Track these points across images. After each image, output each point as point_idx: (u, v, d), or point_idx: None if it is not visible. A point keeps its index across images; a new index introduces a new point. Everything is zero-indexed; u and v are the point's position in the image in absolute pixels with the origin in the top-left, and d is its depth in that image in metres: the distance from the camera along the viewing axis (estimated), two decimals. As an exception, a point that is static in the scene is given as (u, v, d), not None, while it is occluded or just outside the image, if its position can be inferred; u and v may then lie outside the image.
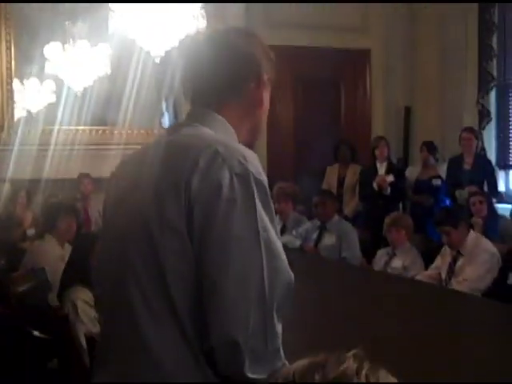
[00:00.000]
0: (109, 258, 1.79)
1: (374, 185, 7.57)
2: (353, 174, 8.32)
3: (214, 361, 1.60)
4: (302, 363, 1.05)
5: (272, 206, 1.68)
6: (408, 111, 9.49)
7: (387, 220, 5.63)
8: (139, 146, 6.50)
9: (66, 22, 8.14)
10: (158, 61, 6.87)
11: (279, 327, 1.65)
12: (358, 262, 5.79)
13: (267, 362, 1.60)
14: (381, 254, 5.65)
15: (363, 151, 8.80)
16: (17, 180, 7.58)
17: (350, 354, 1.05)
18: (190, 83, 1.86)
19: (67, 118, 8.06)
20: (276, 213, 5.47)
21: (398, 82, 9.55)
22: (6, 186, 7.61)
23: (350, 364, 1.02)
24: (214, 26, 7.74)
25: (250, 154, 1.68)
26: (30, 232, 6.98)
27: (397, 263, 5.40)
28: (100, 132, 8.48)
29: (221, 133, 1.77)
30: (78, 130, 8.26)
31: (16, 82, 8.21)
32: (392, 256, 5.50)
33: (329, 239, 5.92)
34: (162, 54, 6.81)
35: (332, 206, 6.20)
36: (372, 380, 1.00)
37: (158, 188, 1.64)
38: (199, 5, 6.76)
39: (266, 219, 1.63)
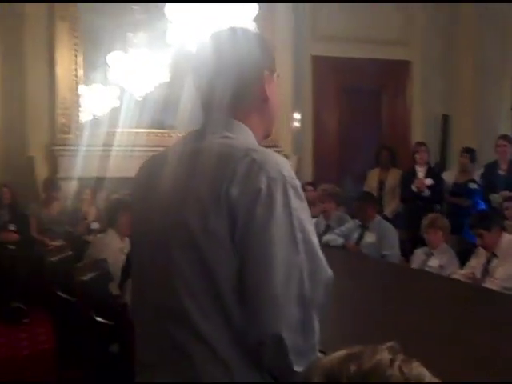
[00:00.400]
0: (150, 264, 1.75)
1: (414, 187, 7.53)
2: (393, 177, 8.28)
3: (261, 356, 1.60)
4: (338, 354, 1.03)
5: (307, 207, 1.65)
6: (446, 119, 9.41)
7: (425, 221, 5.55)
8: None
9: (128, 33, 8.22)
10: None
11: (317, 324, 1.63)
12: (398, 260, 5.72)
13: (306, 357, 1.59)
14: (419, 253, 5.57)
15: (403, 156, 8.75)
16: (83, 178, 7.66)
17: (385, 346, 1.04)
18: (203, 90, 1.82)
19: (128, 122, 8.11)
20: (320, 212, 5.46)
21: (437, 91, 9.47)
22: (74, 184, 7.71)
23: (384, 355, 1.00)
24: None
25: (283, 160, 1.66)
26: (94, 226, 7.06)
27: (434, 262, 5.32)
28: (158, 135, 8.55)
29: (242, 137, 1.74)
30: (138, 132, 8.31)
31: (83, 88, 8.29)
32: (429, 255, 5.42)
33: (370, 238, 5.86)
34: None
35: (372, 209, 6.13)
36: (405, 371, 0.98)
37: (200, 199, 1.62)
38: (251, 17, 6.76)
39: (303, 220, 1.61)
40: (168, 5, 6.53)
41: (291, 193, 1.59)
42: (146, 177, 1.87)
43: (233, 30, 1.82)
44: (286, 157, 8.55)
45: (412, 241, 6.43)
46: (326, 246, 5.92)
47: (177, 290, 1.64)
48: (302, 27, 8.97)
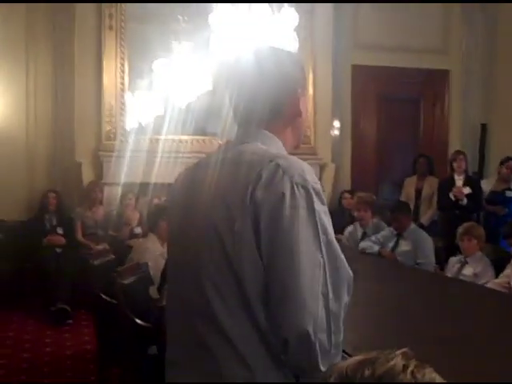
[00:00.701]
0: (183, 266, 1.81)
1: (452, 196, 7.45)
2: (429, 185, 8.23)
3: (288, 354, 1.63)
4: (354, 359, 1.05)
5: (327, 211, 1.69)
6: (484, 128, 9.28)
7: (460, 229, 5.51)
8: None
9: (173, 41, 8.29)
10: (253, 79, 6.93)
11: (341, 324, 1.66)
12: (432, 269, 5.67)
13: (330, 356, 1.62)
14: (453, 262, 5.52)
15: (440, 165, 8.70)
16: (127, 184, 7.75)
17: (399, 352, 1.05)
18: (239, 102, 1.86)
19: (172, 129, 8.18)
20: (356, 220, 5.46)
21: (475, 100, 9.38)
22: (118, 189, 7.81)
23: (397, 361, 1.02)
24: (304, 49, 7.84)
25: (307, 166, 1.70)
26: (137, 230, 7.16)
27: (468, 271, 5.27)
28: (201, 141, 8.61)
29: (273, 148, 1.79)
30: (181, 139, 8.39)
31: (129, 95, 8.38)
32: (464, 264, 5.37)
33: (405, 246, 5.82)
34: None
35: (406, 219, 6.08)
36: (417, 376, 1.00)
37: (227, 203, 1.67)
38: (292, 27, 6.79)
39: (325, 223, 1.65)
40: (211, 14, 6.60)
41: (314, 197, 1.64)
42: (182, 184, 1.94)
43: (274, 49, 1.91)
44: (325, 165, 8.60)
45: (448, 249, 6.38)
46: (362, 253, 5.93)
47: (205, 289, 1.69)
48: (341, 36, 8.97)
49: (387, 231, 6.15)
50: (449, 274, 5.47)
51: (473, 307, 4.07)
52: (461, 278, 5.26)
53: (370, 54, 8.99)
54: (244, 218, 1.63)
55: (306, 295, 1.58)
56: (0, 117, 8.03)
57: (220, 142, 8.39)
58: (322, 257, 1.61)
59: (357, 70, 9.10)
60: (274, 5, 7.06)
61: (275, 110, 1.83)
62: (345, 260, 1.69)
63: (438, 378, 1.02)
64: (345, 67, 9.06)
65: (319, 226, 1.62)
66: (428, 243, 5.85)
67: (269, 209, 1.61)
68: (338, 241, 1.74)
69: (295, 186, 1.62)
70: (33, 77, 8.18)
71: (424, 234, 5.98)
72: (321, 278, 1.60)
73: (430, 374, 1.02)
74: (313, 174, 1.69)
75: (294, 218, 1.60)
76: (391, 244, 5.93)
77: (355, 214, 6.59)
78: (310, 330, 1.57)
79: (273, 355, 1.68)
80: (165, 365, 1.90)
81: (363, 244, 6.05)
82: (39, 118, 8.20)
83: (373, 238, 6.10)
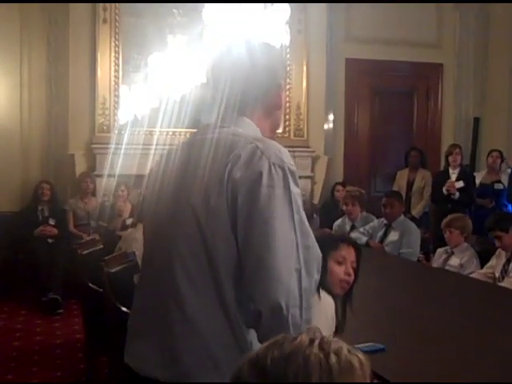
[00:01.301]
0: (157, 239, 1.87)
1: (444, 190, 7.48)
2: (421, 178, 8.27)
3: (260, 328, 1.68)
4: (263, 344, 1.10)
5: (300, 192, 1.75)
6: (477, 122, 9.30)
7: (444, 221, 5.56)
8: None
9: (168, 35, 8.31)
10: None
11: (311, 300, 1.71)
12: (415, 259, 5.70)
13: (301, 331, 1.66)
14: (440, 253, 5.56)
15: (433, 158, 8.74)
16: (121, 175, 7.76)
17: (304, 330, 1.11)
18: (225, 90, 1.90)
19: (167, 122, 8.18)
20: (344, 214, 5.50)
21: (469, 94, 9.40)
22: (111, 181, 7.83)
23: (302, 338, 1.07)
24: (298, 42, 7.86)
25: (284, 149, 1.77)
26: (129, 221, 7.17)
27: (454, 261, 5.31)
28: (195, 134, 8.62)
29: (250, 133, 1.84)
30: (175, 132, 8.40)
31: (124, 88, 8.38)
32: (450, 254, 5.41)
33: (393, 236, 5.87)
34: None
35: (399, 207, 6.14)
36: (324, 347, 1.04)
37: (205, 181, 1.73)
38: (284, 21, 6.81)
39: (299, 204, 1.72)
40: (205, 8, 6.63)
41: (290, 177, 1.71)
42: (158, 171, 2.01)
43: (263, 42, 2.01)
44: (318, 157, 8.63)
45: (437, 241, 6.41)
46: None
47: (174, 267, 1.74)
48: (335, 29, 8.98)
49: (376, 222, 6.20)
50: (435, 265, 5.52)
51: (457, 296, 4.11)
52: (447, 268, 5.31)
53: (363, 47, 9.01)
54: (220, 195, 1.69)
55: (280, 270, 1.64)
56: (-6, 108, 8.05)
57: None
58: (296, 234, 1.67)
59: (350, 63, 9.11)
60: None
61: (260, 99, 1.90)
62: (314, 239, 1.75)
63: (345, 347, 1.05)
64: (338, 60, 9.07)
65: (294, 206, 1.69)
66: (414, 234, 5.89)
67: (246, 187, 1.67)
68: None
69: (272, 166, 1.69)
70: (27, 69, 8.19)
71: (412, 225, 6.02)
72: (294, 254, 1.66)
73: (337, 343, 1.06)
74: (289, 156, 1.76)
75: (271, 195, 1.67)
76: (380, 234, 5.97)
77: (344, 208, 6.63)
78: (283, 303, 1.62)
79: (236, 336, 1.72)
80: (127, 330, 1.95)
81: (352, 235, 6.08)
82: (33, 109, 8.21)
83: (361, 229, 6.15)
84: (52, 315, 6.49)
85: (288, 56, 8.57)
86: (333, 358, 1.02)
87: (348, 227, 6.47)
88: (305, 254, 1.68)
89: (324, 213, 8.13)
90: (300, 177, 6.82)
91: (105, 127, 8.11)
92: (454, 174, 7.73)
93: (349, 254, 2.84)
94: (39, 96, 8.21)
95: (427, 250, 6.15)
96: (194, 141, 1.89)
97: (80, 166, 8.11)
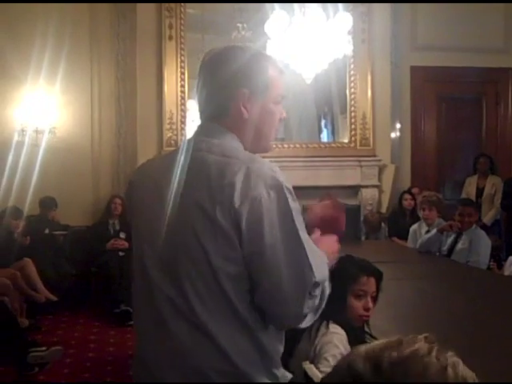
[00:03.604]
0: (159, 262, 1.82)
1: (516, 195, 7.34)
2: (491, 184, 8.14)
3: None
4: (377, 343, 1.09)
5: (299, 208, 1.75)
6: (548, 126, 9.10)
7: (517, 227, 5.47)
8: (303, 159, 6.59)
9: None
10: (308, 82, 7.01)
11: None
12: (485, 267, 5.58)
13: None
14: (511, 260, 5.46)
15: (504, 164, 8.59)
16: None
17: (422, 336, 1.09)
18: (199, 100, 1.92)
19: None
20: (415, 221, 5.44)
21: (539, 98, 9.18)
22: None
23: (421, 345, 1.06)
24: (362, 51, 7.87)
25: (276, 167, 1.75)
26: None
27: (525, 269, 5.22)
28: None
29: (226, 141, 1.82)
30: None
31: (192, 103, 8.45)
32: (523, 262, 5.32)
33: (462, 245, 5.77)
34: (313, 76, 6.94)
35: (475, 216, 6.03)
36: (442, 359, 1.04)
37: (204, 206, 1.70)
38: (346, 31, 6.83)
39: (300, 219, 1.72)
40: (267, 22, 6.71)
41: (288, 196, 1.70)
42: (145, 180, 1.98)
43: (233, 49, 1.93)
44: (385, 166, 8.58)
45: (510, 249, 6.31)
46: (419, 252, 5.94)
47: (184, 288, 1.73)
48: (399, 38, 8.94)
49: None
50: (507, 273, 5.41)
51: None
52: (519, 276, 5.20)
53: (428, 54, 8.93)
54: (226, 220, 1.67)
55: (293, 293, 1.69)
56: (67, 126, 8.31)
57: (286, 146, 8.46)
58: (305, 253, 1.69)
59: (416, 71, 9.04)
60: (329, 9, 7.14)
61: (222, 107, 1.86)
62: (319, 251, 1.82)
63: (461, 362, 1.07)
64: (403, 69, 9.02)
65: (297, 223, 1.69)
66: (483, 242, 5.76)
67: (248, 215, 1.66)
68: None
69: (269, 189, 1.67)
70: (97, 87, 8.45)
71: (482, 234, 5.89)
72: (306, 274, 1.69)
73: (452, 357, 1.06)
74: (282, 173, 1.73)
75: (273, 220, 1.67)
76: (449, 241, 5.88)
77: (420, 213, 6.56)
78: (293, 324, 1.79)
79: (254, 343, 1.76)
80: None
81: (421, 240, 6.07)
82: (103, 127, 8.47)
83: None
84: (124, 326, 6.63)
85: (352, 66, 8.59)
86: (450, 371, 1.02)
87: (424, 232, 6.41)
88: (317, 267, 1.71)
89: (392, 222, 8.08)
90: (367, 186, 6.89)
91: (172, 141, 8.26)
92: (525, 179, 7.58)
93: (369, 286, 2.81)
94: (109, 113, 8.45)
95: (499, 257, 6.04)
96: (183, 155, 1.83)
97: (149, 181, 8.25)
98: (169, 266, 1.78)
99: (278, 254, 1.67)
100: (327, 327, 2.69)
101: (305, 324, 1.79)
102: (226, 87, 1.85)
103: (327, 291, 1.82)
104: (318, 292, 1.75)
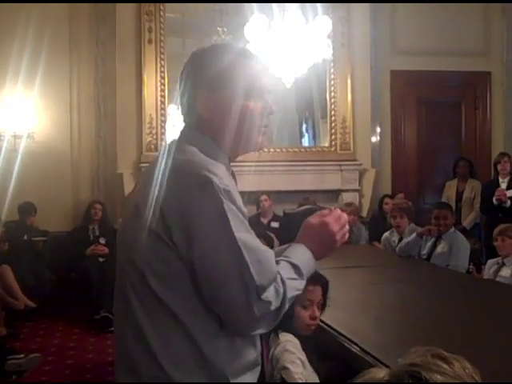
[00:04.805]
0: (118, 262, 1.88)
1: (494, 199, 7.35)
2: (471, 188, 8.20)
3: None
4: (416, 355, 1.13)
5: (239, 207, 1.71)
6: (527, 129, 9.16)
7: (495, 230, 5.48)
8: (284, 163, 6.60)
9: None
10: (288, 86, 7.01)
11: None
12: (464, 271, 5.60)
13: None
14: (491, 264, 5.48)
15: (483, 168, 8.64)
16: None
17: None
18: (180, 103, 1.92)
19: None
20: (392, 227, 5.46)
21: (518, 101, 9.25)
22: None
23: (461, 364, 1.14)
24: (342, 55, 7.88)
25: (214, 166, 1.72)
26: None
27: (505, 272, 5.23)
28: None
29: (205, 148, 1.79)
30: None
31: (172, 107, 8.41)
32: (501, 265, 5.33)
33: (442, 248, 5.79)
34: (292, 80, 6.94)
35: (451, 219, 6.04)
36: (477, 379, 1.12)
37: (139, 206, 1.74)
38: (326, 35, 6.85)
39: (236, 221, 1.67)
40: (246, 25, 6.71)
41: (222, 196, 1.66)
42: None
43: (197, 50, 1.92)
44: (365, 170, 8.60)
45: (489, 253, 6.33)
46: (399, 256, 5.94)
47: (126, 292, 1.76)
48: (379, 42, 8.97)
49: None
50: (486, 277, 5.43)
51: (506, 308, 4.03)
52: (498, 279, 5.22)
53: (408, 58, 8.98)
54: (158, 222, 1.67)
55: (234, 293, 1.66)
56: (46, 130, 8.26)
57: (265, 150, 8.45)
58: (242, 254, 1.65)
59: (395, 74, 9.08)
60: (308, 13, 7.15)
61: (191, 110, 1.86)
62: (267, 251, 1.76)
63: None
64: (383, 73, 9.05)
65: (232, 225, 1.65)
66: (462, 246, 5.79)
67: (180, 218, 1.65)
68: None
69: (201, 190, 1.65)
70: (76, 91, 8.42)
71: (461, 237, 5.91)
72: (245, 274, 1.65)
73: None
74: (220, 171, 1.71)
75: (206, 223, 1.65)
76: (429, 245, 5.90)
77: (391, 221, 6.59)
78: (240, 324, 1.73)
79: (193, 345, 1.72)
80: None
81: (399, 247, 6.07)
82: (82, 131, 8.44)
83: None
84: (104, 333, 6.58)
85: (332, 70, 8.61)
86: None
87: (396, 240, 6.43)
88: (256, 268, 1.66)
89: (373, 226, 8.10)
90: (347, 190, 6.84)
91: (152, 146, 8.21)
92: (503, 182, 7.58)
93: (315, 295, 2.82)
94: (88, 117, 8.42)
95: (478, 261, 6.06)
96: (156, 161, 1.86)
97: (128, 185, 8.20)
98: (119, 266, 1.83)
99: (212, 258, 1.65)
100: (277, 337, 2.71)
101: (269, 327, 1.76)
102: (189, 90, 1.85)
103: (291, 292, 1.77)
104: (269, 295, 1.69)
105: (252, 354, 1.81)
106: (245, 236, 1.68)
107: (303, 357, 2.69)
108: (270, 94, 1.90)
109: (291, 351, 2.65)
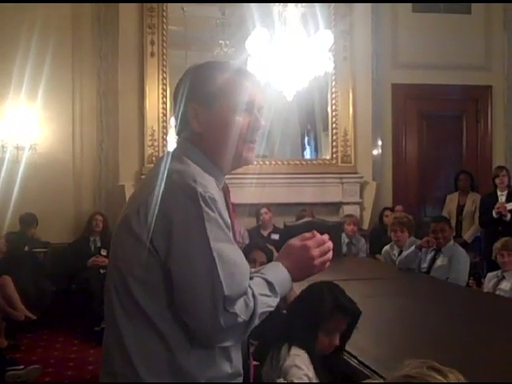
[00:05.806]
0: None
1: (494, 212, 7.36)
2: (472, 201, 8.20)
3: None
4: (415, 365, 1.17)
5: (223, 217, 1.73)
6: (528, 143, 9.18)
7: (497, 244, 5.49)
8: (285, 176, 6.62)
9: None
10: (290, 99, 7.05)
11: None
12: (463, 284, 5.60)
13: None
14: (490, 277, 5.48)
15: (484, 181, 8.65)
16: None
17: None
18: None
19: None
20: (392, 240, 5.45)
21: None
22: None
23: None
24: (343, 69, 7.90)
25: (202, 176, 1.75)
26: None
27: (505, 285, 5.23)
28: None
29: (196, 161, 1.83)
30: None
31: (173, 120, 8.44)
32: (501, 279, 5.33)
33: (441, 262, 5.79)
34: (294, 93, 6.98)
35: (449, 232, 6.05)
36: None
37: (127, 215, 1.79)
38: (327, 49, 6.88)
39: (217, 231, 1.70)
40: (248, 39, 6.75)
41: (203, 206, 1.68)
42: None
43: (192, 66, 1.95)
44: (366, 183, 8.62)
45: (490, 266, 6.33)
46: (400, 269, 5.95)
47: (111, 296, 1.82)
48: (381, 55, 9.01)
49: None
50: (486, 290, 5.43)
51: (505, 320, 4.03)
52: (497, 293, 5.22)
53: (409, 72, 9.03)
54: (142, 229, 1.71)
55: (203, 302, 1.67)
56: (48, 142, 8.30)
57: (268, 163, 8.47)
58: (215, 266, 1.66)
59: (397, 88, 9.12)
60: (310, 27, 7.19)
61: (184, 124, 1.89)
62: (242, 263, 1.77)
63: None
64: (385, 86, 9.09)
65: (210, 236, 1.67)
66: (463, 260, 5.79)
67: (162, 225, 1.68)
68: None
69: (186, 199, 1.68)
70: (79, 103, 8.46)
71: (461, 251, 5.91)
72: (215, 285, 1.66)
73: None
74: (207, 182, 1.74)
75: (184, 232, 1.68)
76: (428, 259, 5.90)
77: (391, 235, 6.58)
78: (209, 337, 1.72)
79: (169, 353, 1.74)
80: None
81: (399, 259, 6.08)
82: (85, 142, 8.48)
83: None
84: (105, 344, 6.57)
85: (334, 83, 8.65)
86: None
87: (396, 253, 6.44)
88: (227, 280, 1.67)
89: (373, 238, 8.11)
90: (348, 203, 6.83)
91: (154, 158, 8.22)
92: (502, 195, 7.59)
93: (341, 325, 2.83)
94: (90, 129, 8.46)
95: (478, 275, 6.06)
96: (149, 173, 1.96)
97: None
98: (108, 269, 1.90)
99: (186, 266, 1.68)
100: (289, 351, 2.72)
101: (237, 340, 1.79)
102: (183, 103, 1.88)
103: (262, 308, 1.76)
104: (237, 307, 1.69)
105: (225, 366, 1.80)
106: (222, 246, 1.70)
107: (311, 373, 2.70)
108: (262, 109, 1.92)
109: (299, 367, 2.66)
